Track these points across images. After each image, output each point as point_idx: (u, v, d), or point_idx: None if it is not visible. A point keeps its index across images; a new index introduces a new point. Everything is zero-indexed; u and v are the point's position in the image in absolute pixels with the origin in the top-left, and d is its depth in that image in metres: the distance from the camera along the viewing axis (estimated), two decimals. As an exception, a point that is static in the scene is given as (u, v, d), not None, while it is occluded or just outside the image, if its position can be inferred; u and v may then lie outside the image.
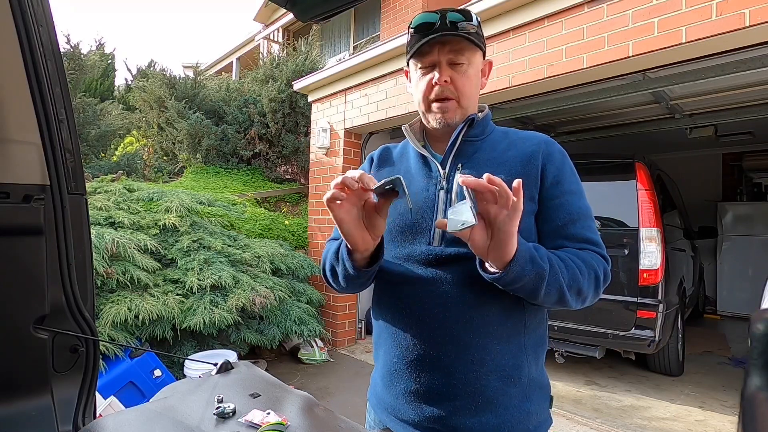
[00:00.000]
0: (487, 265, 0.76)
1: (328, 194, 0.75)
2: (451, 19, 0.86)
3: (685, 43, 2.20)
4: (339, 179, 0.74)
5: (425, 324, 0.86)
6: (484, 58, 0.95)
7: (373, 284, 1.00)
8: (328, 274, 0.96)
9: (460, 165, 0.91)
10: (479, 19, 0.91)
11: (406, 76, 1.01)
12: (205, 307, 3.01)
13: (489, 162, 0.90)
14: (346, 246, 0.84)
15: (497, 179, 0.67)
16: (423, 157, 0.95)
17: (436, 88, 0.89)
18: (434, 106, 0.91)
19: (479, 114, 0.96)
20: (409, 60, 0.94)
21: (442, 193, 0.90)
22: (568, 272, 0.80)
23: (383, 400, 0.94)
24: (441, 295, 0.84)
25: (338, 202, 0.76)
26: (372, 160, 1.05)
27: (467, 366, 0.84)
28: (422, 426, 0.87)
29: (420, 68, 0.91)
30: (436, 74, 0.88)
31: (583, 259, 0.84)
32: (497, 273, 0.74)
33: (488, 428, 0.84)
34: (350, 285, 0.91)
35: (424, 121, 0.98)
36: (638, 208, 3.17)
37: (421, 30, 0.88)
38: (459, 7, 0.89)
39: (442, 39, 0.86)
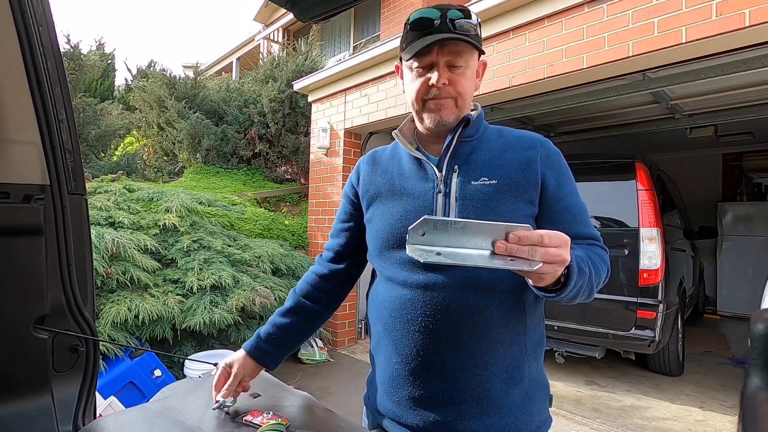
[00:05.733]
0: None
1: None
2: (452, 17, 0.83)
3: (685, 43, 2.20)
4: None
5: (427, 329, 0.85)
6: (479, 59, 0.93)
7: (370, 288, 1.00)
8: None
9: (457, 167, 0.89)
10: (479, 18, 0.89)
11: (397, 71, 0.97)
12: (205, 307, 3.01)
13: (486, 163, 0.89)
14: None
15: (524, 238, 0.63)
16: (417, 159, 0.93)
17: (433, 89, 0.86)
18: (430, 103, 0.88)
19: (473, 113, 0.94)
20: (403, 58, 0.90)
21: (440, 196, 0.88)
22: (595, 270, 0.81)
23: (384, 406, 0.93)
24: (443, 299, 0.83)
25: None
26: (359, 172, 1.02)
27: (471, 370, 0.83)
28: (427, 431, 0.86)
29: (416, 68, 0.88)
30: (434, 75, 0.85)
31: (599, 255, 0.86)
32: (552, 291, 0.73)
33: (493, 430, 0.83)
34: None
35: (417, 120, 0.94)
36: (638, 208, 3.16)
37: (419, 27, 0.85)
38: (459, 5, 0.86)
39: (441, 39, 0.83)
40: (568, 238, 0.66)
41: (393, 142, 1.01)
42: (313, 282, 1.06)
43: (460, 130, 0.90)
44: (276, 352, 1.00)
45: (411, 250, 0.64)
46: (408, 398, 0.87)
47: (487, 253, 0.63)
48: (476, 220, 0.64)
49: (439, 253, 0.63)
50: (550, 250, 0.63)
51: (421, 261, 0.64)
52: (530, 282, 0.72)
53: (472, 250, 0.63)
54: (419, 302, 0.85)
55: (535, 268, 0.63)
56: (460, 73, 0.87)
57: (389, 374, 0.91)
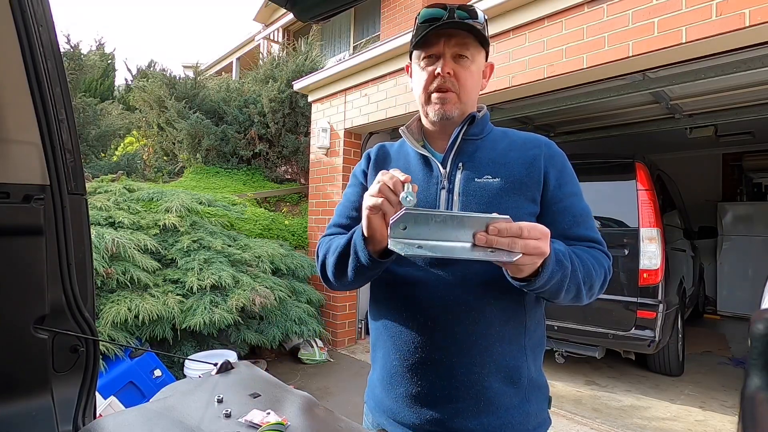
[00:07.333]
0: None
1: (371, 202, 0.73)
2: (459, 16, 0.86)
3: (685, 43, 2.20)
4: (379, 188, 0.72)
5: (426, 326, 0.85)
6: (486, 60, 0.95)
7: (369, 285, 1.00)
8: (330, 268, 0.91)
9: (461, 164, 0.90)
10: (486, 18, 0.91)
11: (407, 71, 0.99)
12: (205, 307, 3.01)
13: (490, 162, 0.90)
14: (362, 237, 0.80)
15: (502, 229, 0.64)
16: (423, 156, 0.94)
17: (438, 79, 0.88)
18: (434, 96, 0.90)
19: (479, 113, 0.95)
20: (412, 51, 0.93)
21: (443, 192, 0.89)
22: (584, 269, 0.81)
23: (382, 404, 0.93)
24: (442, 296, 0.84)
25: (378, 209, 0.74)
26: (369, 158, 1.03)
27: (469, 368, 0.83)
28: (423, 429, 0.86)
29: (423, 58, 0.91)
30: (439, 64, 0.88)
31: (594, 256, 0.86)
32: (526, 280, 0.74)
33: (490, 429, 0.84)
34: (357, 278, 0.86)
35: (422, 114, 0.96)
36: (638, 208, 3.17)
37: (428, 22, 0.88)
38: (467, 6, 0.88)
39: (449, 31, 0.86)
40: (547, 231, 0.68)
41: (400, 140, 1.02)
42: None
43: (465, 126, 0.91)
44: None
45: (392, 244, 0.65)
46: (405, 395, 0.88)
47: (468, 245, 0.64)
48: (457, 212, 0.64)
49: (420, 246, 0.64)
50: (529, 242, 0.65)
51: (402, 254, 0.64)
52: (508, 274, 0.74)
53: (454, 243, 0.64)
54: (418, 298, 0.86)
55: (514, 260, 0.64)
56: (466, 66, 0.89)
57: (387, 371, 0.91)
